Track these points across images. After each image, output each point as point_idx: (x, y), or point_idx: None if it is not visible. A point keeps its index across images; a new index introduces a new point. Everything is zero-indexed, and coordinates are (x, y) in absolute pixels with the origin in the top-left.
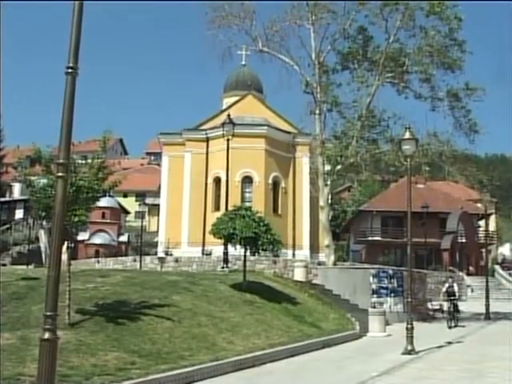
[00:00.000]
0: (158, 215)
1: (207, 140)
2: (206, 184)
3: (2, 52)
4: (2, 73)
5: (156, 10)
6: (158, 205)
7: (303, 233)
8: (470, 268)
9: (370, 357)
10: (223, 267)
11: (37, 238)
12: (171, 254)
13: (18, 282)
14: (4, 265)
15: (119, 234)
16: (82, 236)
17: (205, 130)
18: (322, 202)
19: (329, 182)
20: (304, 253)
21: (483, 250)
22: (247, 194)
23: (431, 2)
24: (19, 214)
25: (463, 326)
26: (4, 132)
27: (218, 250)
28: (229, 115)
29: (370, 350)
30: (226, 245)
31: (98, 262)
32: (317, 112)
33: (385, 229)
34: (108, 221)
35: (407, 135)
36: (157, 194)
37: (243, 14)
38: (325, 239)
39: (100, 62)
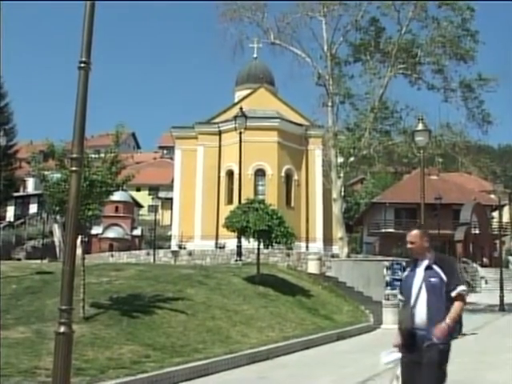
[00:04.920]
0: (171, 209)
1: (220, 133)
2: (219, 177)
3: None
4: (16, 68)
5: (168, 2)
6: (171, 198)
7: (316, 225)
8: (484, 259)
9: (384, 349)
10: (237, 260)
11: (51, 233)
12: (184, 248)
13: (33, 277)
14: (19, 259)
15: (132, 228)
16: (95, 230)
17: (217, 123)
18: (335, 195)
19: (342, 175)
20: (317, 245)
21: (497, 242)
22: (260, 187)
23: None
24: (33, 208)
25: None
26: (17, 127)
27: (231, 243)
28: (241, 108)
29: (384, 342)
30: (239, 238)
31: (112, 255)
32: (329, 104)
33: (398, 221)
34: (121, 215)
35: (420, 126)
36: (170, 187)
37: (254, 7)
38: (338, 231)
39: (112, 55)
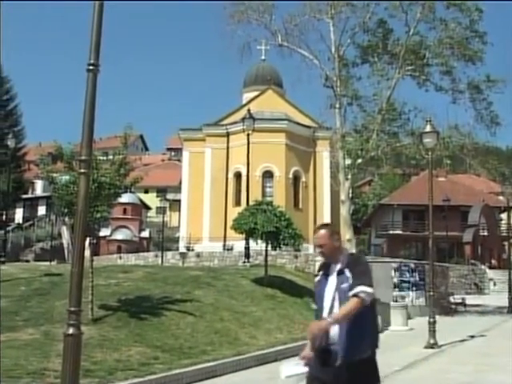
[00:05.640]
0: (179, 211)
1: (227, 135)
2: (227, 179)
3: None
4: (24, 70)
5: (177, 3)
6: (179, 200)
7: None
8: (493, 261)
9: (392, 351)
10: (245, 262)
11: (59, 235)
12: (193, 250)
13: (42, 278)
14: (27, 261)
15: (141, 230)
16: (103, 232)
17: (225, 125)
18: (342, 196)
19: (349, 176)
20: None
21: (505, 243)
22: (268, 189)
23: None
24: (42, 210)
25: None
26: (26, 129)
27: (239, 244)
28: (249, 110)
29: (392, 343)
30: (247, 239)
31: (120, 257)
32: (337, 106)
33: (406, 222)
34: (129, 217)
35: (428, 128)
36: (178, 189)
37: (262, 9)
38: (346, 233)
39: (119, 57)
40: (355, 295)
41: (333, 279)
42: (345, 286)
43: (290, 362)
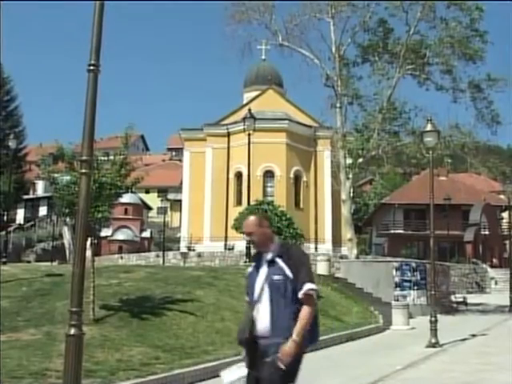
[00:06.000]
0: (180, 211)
1: (228, 135)
2: (228, 179)
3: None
4: (25, 70)
5: (177, 3)
6: (180, 200)
7: (325, 226)
8: (494, 260)
9: (394, 350)
10: (246, 261)
11: (60, 235)
12: (194, 249)
13: (43, 279)
14: (29, 262)
15: (142, 230)
16: (105, 232)
17: (226, 124)
18: (343, 196)
19: (350, 176)
20: (326, 246)
21: (507, 242)
22: (269, 189)
23: None
24: (43, 211)
25: None
26: (27, 130)
27: (240, 244)
28: (250, 110)
29: (394, 343)
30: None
31: (121, 257)
32: (338, 105)
33: (407, 221)
34: (130, 217)
35: (429, 127)
36: (179, 189)
37: (263, 9)
38: (347, 233)
39: (120, 57)
40: (307, 294)
41: (263, 270)
42: (277, 277)
43: (232, 367)
